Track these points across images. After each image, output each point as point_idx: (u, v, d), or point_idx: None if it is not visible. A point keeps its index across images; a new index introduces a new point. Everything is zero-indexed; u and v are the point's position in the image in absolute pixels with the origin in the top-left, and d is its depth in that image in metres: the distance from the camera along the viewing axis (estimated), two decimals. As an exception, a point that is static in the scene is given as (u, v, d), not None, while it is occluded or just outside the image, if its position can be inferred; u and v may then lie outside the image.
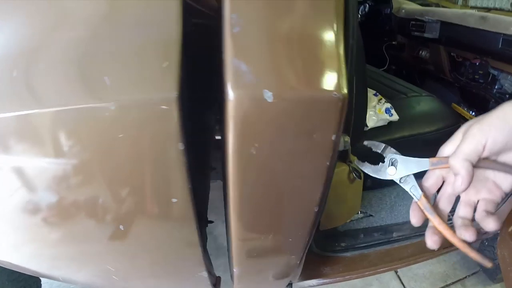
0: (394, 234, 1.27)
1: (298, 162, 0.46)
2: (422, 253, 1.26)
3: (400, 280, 1.56)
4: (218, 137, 0.53)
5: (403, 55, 2.10)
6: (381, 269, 1.17)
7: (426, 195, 0.44)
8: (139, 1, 0.43)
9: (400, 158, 0.47)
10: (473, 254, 0.41)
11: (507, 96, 1.44)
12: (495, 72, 1.51)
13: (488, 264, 0.42)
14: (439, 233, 0.43)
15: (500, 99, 1.47)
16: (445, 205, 0.45)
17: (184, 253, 0.63)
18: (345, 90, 0.41)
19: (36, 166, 0.45)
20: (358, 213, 1.26)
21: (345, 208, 1.09)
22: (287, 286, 0.98)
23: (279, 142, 0.43)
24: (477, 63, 1.55)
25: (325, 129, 0.43)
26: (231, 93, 0.40)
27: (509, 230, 1.33)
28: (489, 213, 0.40)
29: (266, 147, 0.44)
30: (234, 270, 0.67)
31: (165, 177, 0.49)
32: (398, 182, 0.47)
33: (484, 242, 1.54)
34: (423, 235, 1.30)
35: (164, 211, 0.53)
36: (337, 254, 1.13)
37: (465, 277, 1.69)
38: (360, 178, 0.79)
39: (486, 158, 0.40)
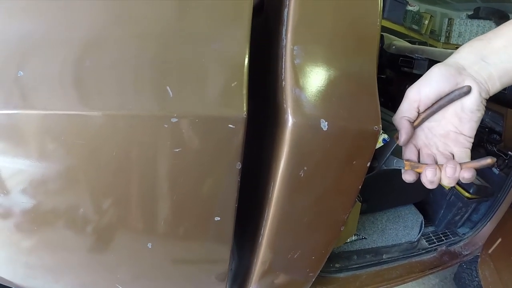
0: (384, 256, 1.34)
1: (337, 184, 0.51)
2: (409, 274, 1.33)
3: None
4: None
5: (391, 89, 2.22)
6: (372, 289, 1.22)
7: (408, 160, 0.50)
8: (211, 19, 0.44)
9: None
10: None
11: (487, 130, 1.55)
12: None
13: (487, 161, 0.46)
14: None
15: (480, 133, 1.58)
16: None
17: (213, 270, 0.64)
18: (380, 125, 0.48)
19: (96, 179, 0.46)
20: (353, 236, 1.32)
21: (344, 230, 1.14)
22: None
23: (325, 166, 0.48)
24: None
25: (364, 157, 0.49)
26: (290, 119, 0.44)
27: (489, 251, 1.44)
28: (462, 164, 0.46)
29: (313, 170, 0.48)
30: (252, 286, 0.69)
31: (217, 195, 0.50)
32: (384, 167, 0.52)
33: (463, 264, 1.64)
34: (410, 257, 1.37)
35: (205, 229, 0.55)
36: (331, 274, 1.18)
37: (443, 299, 1.77)
38: (360, 202, 0.85)
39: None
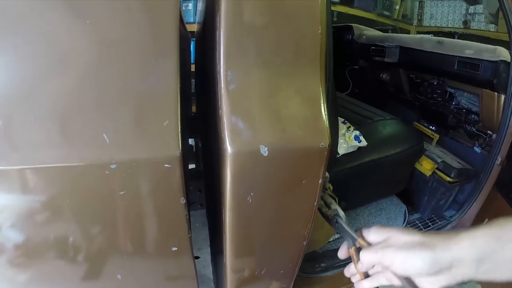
0: (370, 251, 1.34)
1: (289, 205, 0.51)
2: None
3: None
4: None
5: (365, 79, 2.22)
6: (361, 284, 1.22)
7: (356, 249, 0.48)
8: (137, 58, 0.43)
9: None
10: None
11: (464, 111, 1.56)
12: (452, 90, 1.63)
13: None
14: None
15: (457, 114, 1.59)
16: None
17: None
18: (328, 139, 0.47)
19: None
20: (334, 234, 1.32)
21: (322, 232, 1.14)
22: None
23: (273, 190, 0.48)
24: (435, 83, 1.67)
25: (313, 176, 0.48)
26: (229, 148, 0.43)
27: None
28: None
29: (261, 195, 0.47)
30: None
31: (168, 229, 0.50)
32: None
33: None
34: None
35: (163, 260, 0.55)
36: (318, 274, 1.18)
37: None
38: (336, 202, 0.85)
39: None
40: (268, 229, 0.53)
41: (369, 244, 0.46)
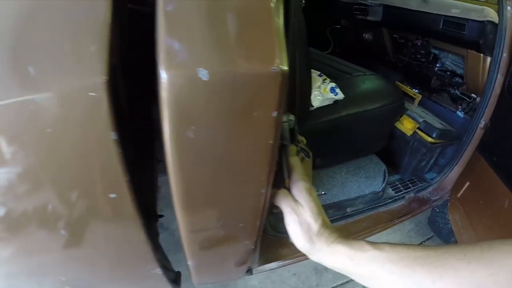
0: (348, 210, 1.32)
1: (240, 143, 0.44)
2: (376, 225, 1.32)
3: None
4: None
5: (347, 39, 2.15)
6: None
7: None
8: None
9: None
10: None
11: (448, 73, 1.53)
12: (436, 52, 1.59)
13: None
14: None
15: (441, 77, 1.55)
16: None
17: (132, 251, 0.59)
18: (285, 65, 0.40)
19: None
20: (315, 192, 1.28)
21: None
22: (247, 271, 0.98)
23: (217, 123, 0.41)
24: (419, 44, 1.63)
25: (266, 106, 0.41)
26: (163, 74, 0.37)
27: (458, 195, 1.44)
28: None
29: (204, 129, 0.41)
30: (189, 263, 0.65)
31: (100, 171, 0.45)
32: None
33: (435, 209, 1.65)
34: (376, 207, 1.35)
35: (104, 208, 0.49)
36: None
37: (421, 243, 1.80)
38: (309, 158, 0.79)
39: None
40: (217, 171, 0.46)
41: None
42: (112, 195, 0.46)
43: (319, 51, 1.86)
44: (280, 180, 0.60)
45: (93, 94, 0.37)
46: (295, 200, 0.55)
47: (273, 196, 0.56)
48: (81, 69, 0.37)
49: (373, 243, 0.48)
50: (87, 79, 0.37)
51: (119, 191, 0.46)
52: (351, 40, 2.11)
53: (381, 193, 1.40)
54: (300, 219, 0.52)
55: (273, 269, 1.08)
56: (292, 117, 0.56)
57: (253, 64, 0.39)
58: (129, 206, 0.48)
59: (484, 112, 1.25)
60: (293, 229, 0.53)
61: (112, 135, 0.40)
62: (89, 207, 0.49)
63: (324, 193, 1.30)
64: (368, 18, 1.78)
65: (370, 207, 1.35)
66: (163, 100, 0.38)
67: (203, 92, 0.38)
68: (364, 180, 1.40)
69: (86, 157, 0.43)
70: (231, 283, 1.56)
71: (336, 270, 0.51)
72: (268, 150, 0.46)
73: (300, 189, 0.55)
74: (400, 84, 1.78)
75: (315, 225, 0.52)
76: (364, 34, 1.97)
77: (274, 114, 0.42)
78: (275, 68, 0.39)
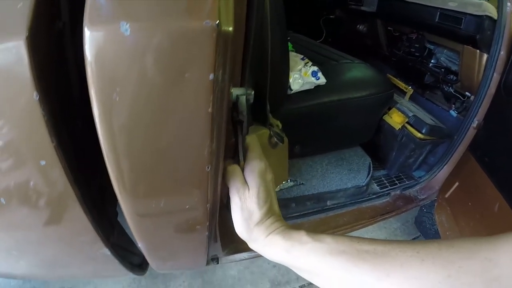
0: (328, 203, 1.28)
1: (173, 110, 0.39)
2: (358, 220, 1.28)
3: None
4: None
5: (340, 29, 2.10)
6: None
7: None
8: None
9: None
10: None
11: (442, 69, 1.48)
12: (431, 46, 1.55)
13: None
14: None
15: (435, 73, 1.51)
16: None
17: (70, 227, 0.55)
18: (228, 25, 0.36)
19: None
20: (287, 181, 1.23)
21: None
22: (212, 260, 0.93)
23: (144, 84, 0.37)
24: (414, 37, 1.58)
25: (199, 67, 0.37)
26: (86, 31, 0.33)
27: (446, 196, 1.39)
28: None
29: (130, 91, 0.37)
30: (139, 245, 0.60)
31: (27, 136, 0.41)
32: None
33: (423, 208, 1.61)
34: (359, 202, 1.31)
35: (37, 178, 0.46)
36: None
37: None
38: (283, 143, 0.74)
39: None
40: (150, 140, 0.41)
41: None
42: (42, 162, 0.43)
43: (309, 38, 1.79)
44: (236, 161, 0.55)
45: (13, 50, 0.35)
46: (244, 182, 0.50)
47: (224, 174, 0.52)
48: (3, 26, 0.36)
49: (314, 235, 0.44)
50: (9, 36, 0.35)
51: (48, 158, 0.43)
52: (344, 31, 2.06)
53: (364, 187, 1.36)
54: (242, 204, 0.49)
55: (244, 259, 1.04)
56: (250, 90, 0.51)
57: (182, 17, 0.35)
58: (60, 175, 0.45)
59: (478, 111, 1.21)
60: (234, 214, 0.50)
61: (35, 95, 0.37)
62: (22, 176, 0.46)
63: (302, 183, 1.26)
64: (363, 8, 1.73)
65: (352, 201, 1.31)
66: (86, 59, 0.35)
67: (124, 48, 0.35)
68: (347, 173, 1.36)
69: (11, 122, 0.40)
70: (209, 272, 1.52)
71: (278, 263, 0.47)
72: (208, 120, 0.41)
73: (252, 169, 0.51)
74: (392, 77, 1.73)
75: (258, 213, 0.48)
76: (358, 26, 1.92)
77: (211, 77, 0.37)
78: (209, 22, 0.34)
